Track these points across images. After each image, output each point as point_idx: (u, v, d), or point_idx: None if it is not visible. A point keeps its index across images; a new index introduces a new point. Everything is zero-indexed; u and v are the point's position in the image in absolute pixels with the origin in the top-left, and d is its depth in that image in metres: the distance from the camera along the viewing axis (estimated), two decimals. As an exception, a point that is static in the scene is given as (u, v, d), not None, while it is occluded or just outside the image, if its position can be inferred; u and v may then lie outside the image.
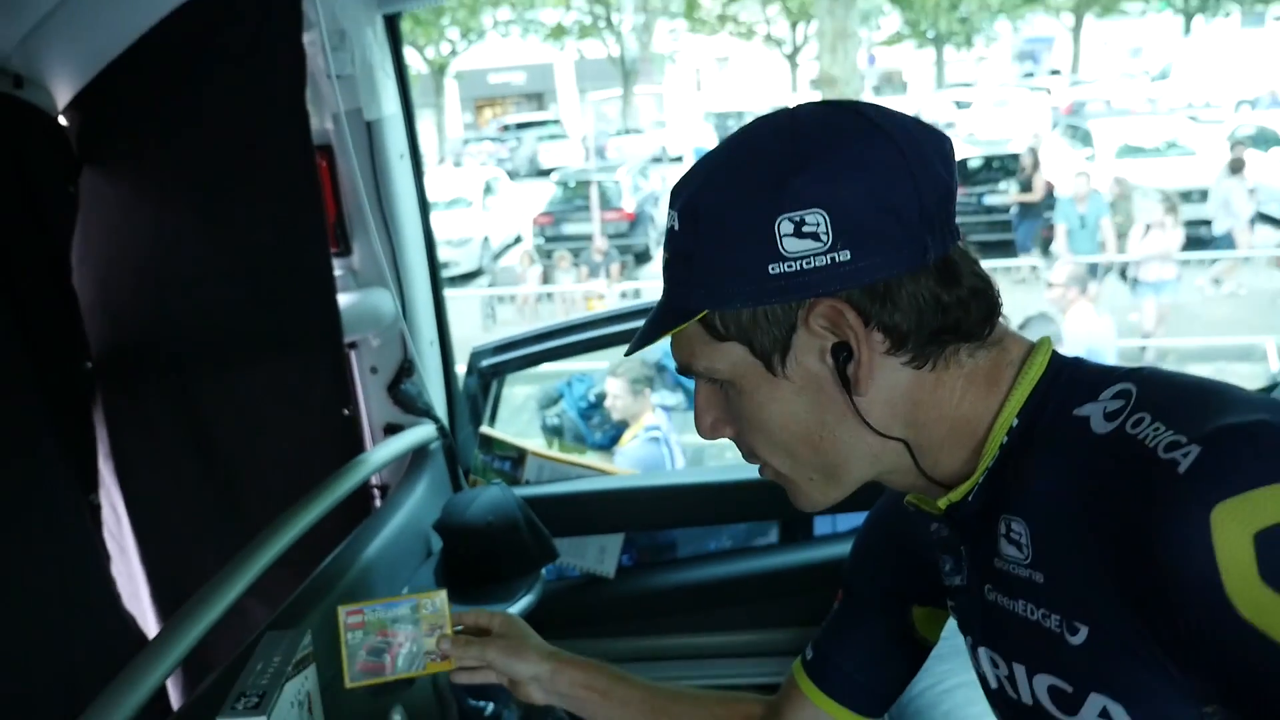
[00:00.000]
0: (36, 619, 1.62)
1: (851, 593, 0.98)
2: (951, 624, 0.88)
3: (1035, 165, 10.48)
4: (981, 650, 0.76)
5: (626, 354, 0.84)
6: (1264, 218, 10.52)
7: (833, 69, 9.49)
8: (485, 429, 1.94)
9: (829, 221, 0.65)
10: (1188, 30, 25.77)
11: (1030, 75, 29.05)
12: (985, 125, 17.19)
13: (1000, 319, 0.73)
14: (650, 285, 10.74)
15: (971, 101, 20.49)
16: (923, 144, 0.68)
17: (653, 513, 1.91)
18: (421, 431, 1.71)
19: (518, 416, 4.93)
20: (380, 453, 1.59)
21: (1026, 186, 10.52)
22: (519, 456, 1.89)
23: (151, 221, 1.65)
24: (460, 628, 1.06)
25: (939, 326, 0.68)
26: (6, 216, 1.54)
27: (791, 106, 0.73)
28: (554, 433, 4.00)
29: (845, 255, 0.65)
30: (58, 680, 1.60)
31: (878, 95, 27.07)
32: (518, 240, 14.54)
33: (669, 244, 0.72)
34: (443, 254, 11.79)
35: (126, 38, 1.54)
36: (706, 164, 0.71)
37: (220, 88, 1.57)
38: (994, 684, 0.75)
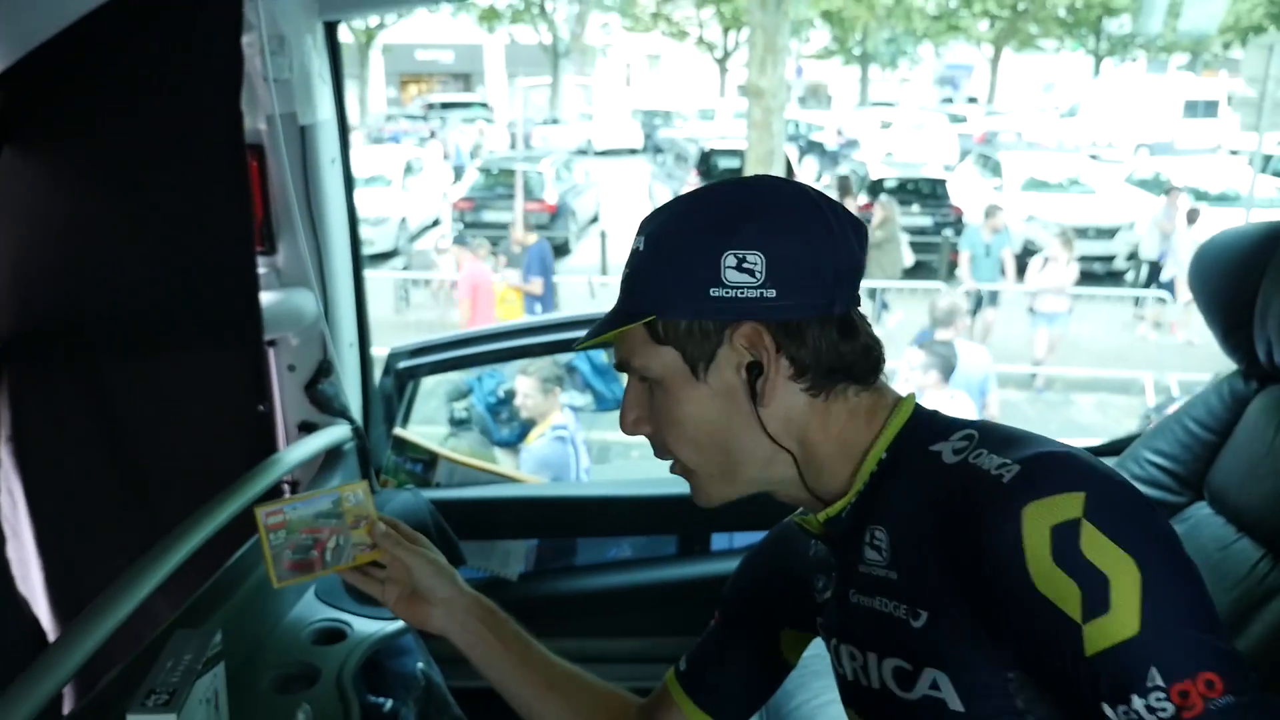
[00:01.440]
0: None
1: (729, 615, 1.09)
2: (819, 646, 1.00)
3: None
4: (843, 648, 0.89)
5: (576, 347, 0.98)
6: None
7: (760, 80, 9.67)
8: (399, 431, 1.97)
9: (765, 264, 0.81)
10: (1097, 71, 27.01)
11: (949, 101, 30.02)
12: (903, 147, 17.72)
13: (882, 374, 0.90)
14: (569, 279, 10.76)
15: (892, 122, 21.08)
16: (846, 224, 0.85)
17: (558, 521, 1.98)
18: (336, 432, 1.74)
19: (425, 403, 4.92)
20: (295, 452, 1.61)
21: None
22: (430, 459, 1.93)
23: (71, 206, 1.63)
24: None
25: (833, 366, 0.85)
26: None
27: (752, 176, 0.92)
28: (460, 425, 4.02)
29: (772, 293, 0.81)
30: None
31: (803, 107, 27.57)
32: (436, 223, 14.36)
33: (631, 261, 0.87)
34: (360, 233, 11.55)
35: (60, 20, 1.52)
36: (676, 203, 0.88)
37: (153, 80, 1.57)
38: (850, 676, 0.88)
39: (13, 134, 1.61)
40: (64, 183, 1.63)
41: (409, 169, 14.39)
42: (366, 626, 1.48)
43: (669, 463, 0.93)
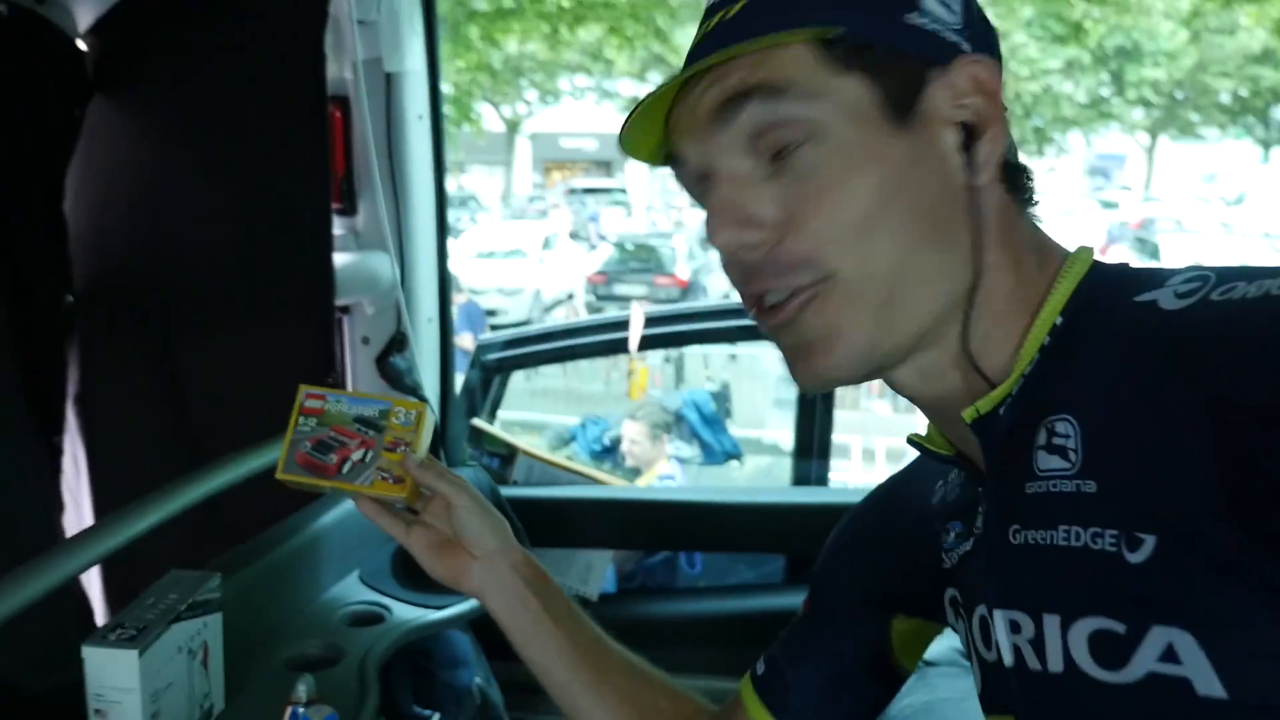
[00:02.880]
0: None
1: (819, 598, 0.82)
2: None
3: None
4: (998, 615, 0.59)
5: (683, 73, 0.60)
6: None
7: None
8: (476, 421, 1.81)
9: (961, 6, 0.59)
10: (1266, 158, 25.47)
11: (1101, 189, 28.87)
12: (1052, 232, 17.02)
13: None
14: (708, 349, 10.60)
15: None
16: None
17: (648, 531, 1.75)
18: (405, 409, 1.59)
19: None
20: (354, 420, 1.47)
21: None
22: (509, 454, 1.76)
23: (154, 157, 1.58)
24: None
25: (1018, 165, 0.62)
26: (9, 133, 1.48)
27: None
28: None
29: (968, 49, 0.59)
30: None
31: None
32: (570, 297, 14.58)
33: None
34: (494, 302, 11.81)
35: (152, -37, 1.49)
36: None
37: (239, 24, 1.51)
38: (1010, 659, 0.58)
39: (105, 82, 1.58)
40: (149, 132, 1.58)
41: (547, 244, 14.73)
42: (406, 613, 1.29)
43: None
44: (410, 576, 1.40)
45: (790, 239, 0.57)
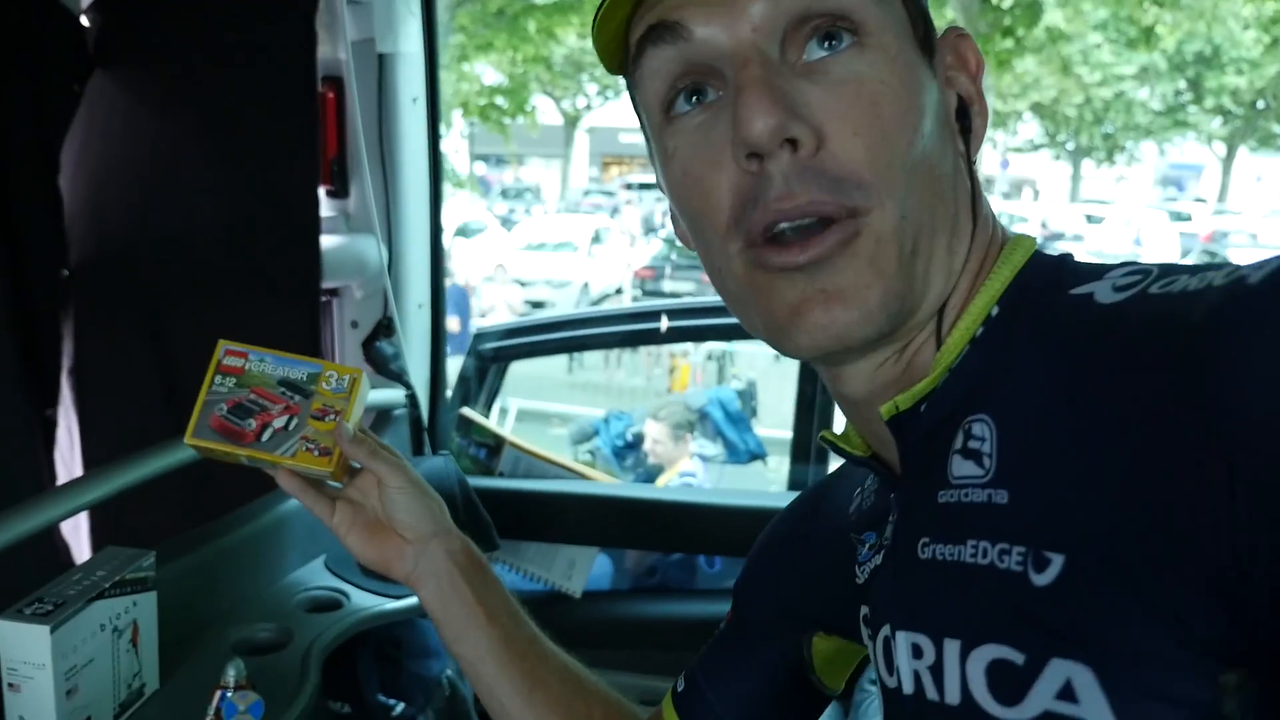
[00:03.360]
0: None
1: (739, 612, 0.77)
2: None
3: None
4: (900, 637, 0.54)
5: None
6: None
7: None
8: (465, 410, 1.79)
9: None
10: (1350, 174, 24.44)
11: (1173, 200, 28.01)
12: (1115, 242, 16.58)
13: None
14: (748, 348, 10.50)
15: (1104, 217, 19.86)
16: None
17: (635, 529, 1.72)
18: (388, 394, 1.58)
19: (561, 452, 4.81)
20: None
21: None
22: (496, 445, 1.73)
23: (150, 134, 1.58)
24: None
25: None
26: (7, 108, 1.49)
27: None
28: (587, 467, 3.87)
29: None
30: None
31: (1006, 200, 26.48)
32: (618, 291, 14.57)
33: None
34: (542, 294, 11.86)
35: (152, -60, 1.49)
36: None
37: (233, 2, 1.50)
38: (910, 686, 0.53)
39: (105, 58, 1.59)
40: (145, 109, 1.59)
41: (596, 238, 14.74)
42: (363, 600, 1.27)
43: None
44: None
45: (836, 147, 0.49)
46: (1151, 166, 30.09)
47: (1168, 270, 0.47)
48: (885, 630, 0.56)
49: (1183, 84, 21.27)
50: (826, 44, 0.50)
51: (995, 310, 0.52)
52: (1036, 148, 25.70)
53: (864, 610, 0.62)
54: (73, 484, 1.08)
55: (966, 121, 0.56)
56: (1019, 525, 0.46)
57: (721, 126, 0.51)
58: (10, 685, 0.86)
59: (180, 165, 1.57)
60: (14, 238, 1.54)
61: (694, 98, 0.52)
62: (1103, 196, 27.98)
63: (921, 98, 0.51)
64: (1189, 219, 20.58)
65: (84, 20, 1.58)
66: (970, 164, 0.57)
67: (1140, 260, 0.50)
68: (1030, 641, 0.45)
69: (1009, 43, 7.98)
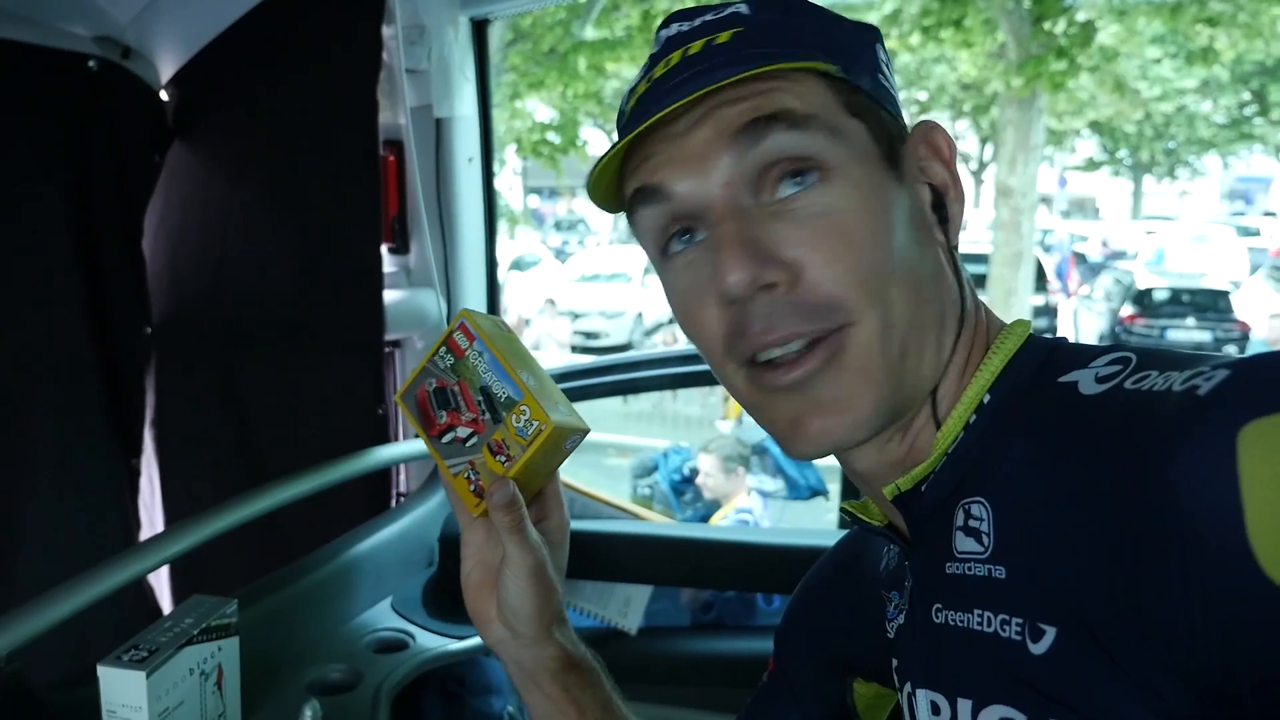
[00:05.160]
0: (57, 571, 1.63)
1: (782, 659, 0.81)
2: None
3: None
4: (920, 696, 0.58)
5: (676, 101, 0.55)
6: None
7: (1010, 179, 9.13)
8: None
9: (891, 82, 0.62)
10: None
11: (1240, 215, 27.24)
12: (1179, 258, 16.16)
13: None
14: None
15: (1155, 232, 19.39)
16: None
17: (689, 568, 1.75)
18: (448, 441, 1.64)
19: (615, 485, 4.85)
20: (396, 449, 1.53)
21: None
22: (552, 487, 1.79)
23: (224, 198, 1.69)
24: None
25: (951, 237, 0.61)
26: (95, 177, 1.61)
27: None
28: (644, 503, 3.89)
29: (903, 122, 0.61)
30: (65, 635, 1.60)
31: (1066, 219, 26.02)
32: (670, 321, 14.64)
33: (747, 19, 0.58)
34: (595, 324, 11.93)
35: (226, 19, 1.60)
36: None
37: (301, 73, 1.60)
38: None
39: (184, 129, 1.70)
40: (219, 177, 1.69)
41: (649, 268, 14.85)
42: (429, 641, 1.33)
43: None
44: (439, 606, 1.44)
45: (811, 280, 0.54)
46: (1217, 180, 29.31)
47: (1144, 363, 0.51)
48: (908, 687, 0.61)
49: (1247, 95, 20.72)
50: (796, 180, 0.55)
51: (988, 398, 0.57)
52: (1096, 165, 25.22)
53: (895, 663, 0.66)
54: (160, 537, 1.16)
55: (944, 211, 0.60)
56: (1017, 598, 0.51)
57: (708, 268, 0.56)
58: (109, 726, 0.93)
59: (253, 227, 1.68)
60: (101, 298, 1.65)
61: (685, 236, 0.59)
62: (1166, 212, 27.33)
63: (891, 213, 0.56)
64: (1257, 234, 20.01)
65: (163, 95, 1.70)
66: (953, 253, 0.60)
67: (1127, 347, 0.53)
68: (1030, 704, 0.50)
69: (1062, 64, 7.89)
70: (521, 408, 0.68)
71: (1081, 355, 0.55)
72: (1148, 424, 0.46)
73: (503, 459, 0.68)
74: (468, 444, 0.69)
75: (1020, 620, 0.50)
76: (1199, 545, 0.42)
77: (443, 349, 0.71)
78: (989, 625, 0.52)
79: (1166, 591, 0.43)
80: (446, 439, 0.70)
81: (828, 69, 0.56)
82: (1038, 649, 0.49)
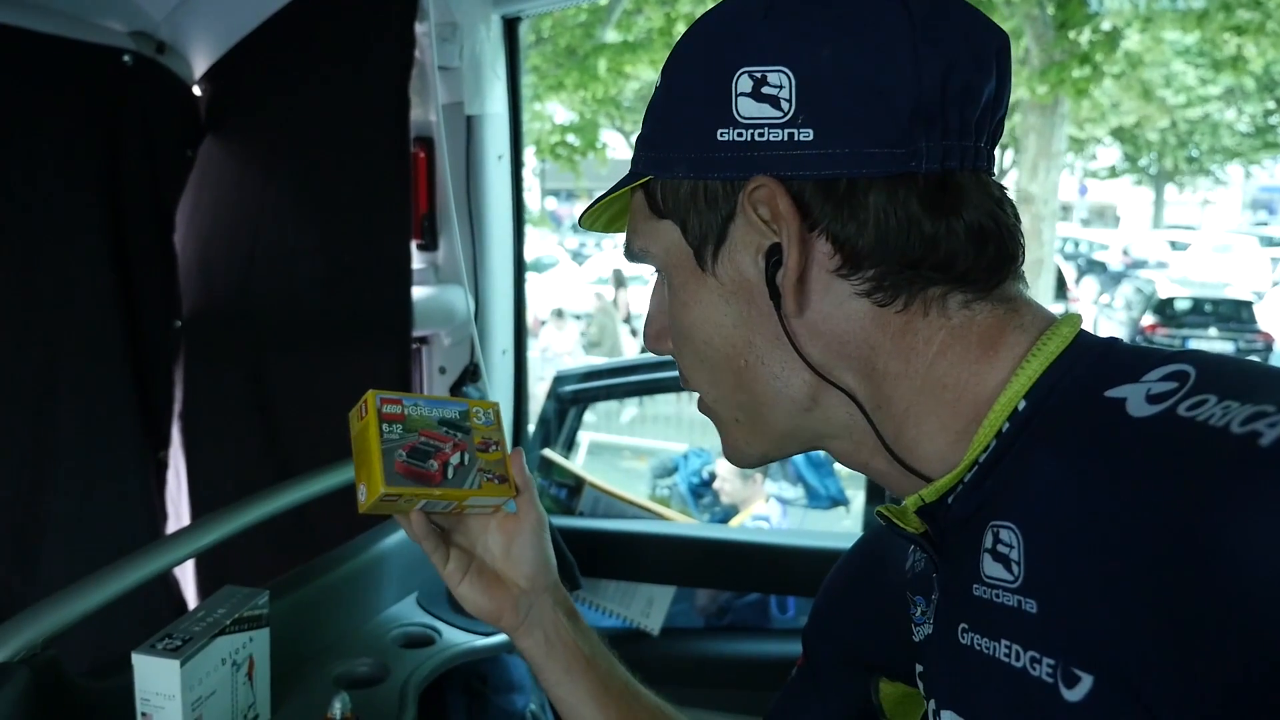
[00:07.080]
0: (83, 560, 1.64)
1: (810, 656, 0.80)
2: None
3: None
4: (945, 716, 0.56)
5: (577, 223, 0.69)
6: None
7: (1031, 186, 9.08)
8: (546, 452, 1.85)
9: (794, 86, 0.52)
10: None
11: (1263, 225, 26.97)
12: (1202, 268, 16.03)
13: (1022, 283, 0.57)
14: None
15: (1189, 243, 19.24)
16: (950, 26, 0.53)
17: (712, 568, 1.75)
18: (474, 438, 1.64)
19: (631, 488, 4.84)
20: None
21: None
22: (576, 485, 1.79)
23: (256, 194, 1.70)
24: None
25: (912, 257, 0.53)
26: (127, 171, 1.62)
27: None
28: (663, 504, 3.89)
29: (807, 134, 0.52)
30: (89, 625, 1.62)
31: (1086, 227, 25.83)
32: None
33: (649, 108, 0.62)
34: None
35: (259, 15, 1.61)
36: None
37: (333, 69, 1.61)
38: None
39: (217, 124, 1.71)
40: (251, 172, 1.70)
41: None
42: (455, 637, 1.33)
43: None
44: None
45: (676, 354, 0.64)
46: (1239, 190, 29.05)
47: (1202, 383, 0.46)
48: (932, 704, 0.59)
49: (1272, 104, 20.52)
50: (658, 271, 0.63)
51: (1023, 404, 0.52)
52: (1117, 173, 25.05)
53: (919, 668, 0.64)
54: (191, 529, 1.16)
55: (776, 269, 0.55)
56: (1050, 638, 0.48)
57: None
58: (144, 715, 0.93)
59: (283, 222, 1.68)
60: (131, 291, 1.67)
61: None
62: (1188, 221, 27.09)
63: (700, 308, 0.59)
64: (1281, 244, 19.81)
65: (196, 90, 1.71)
66: (888, 290, 0.55)
67: (1188, 357, 0.49)
68: None
69: (1086, 70, 7.84)
70: (474, 410, 0.82)
71: (1136, 365, 0.50)
72: (1201, 472, 0.42)
73: (494, 448, 0.80)
74: (465, 463, 0.78)
75: (1052, 661, 0.47)
76: (1258, 624, 0.39)
77: (384, 426, 0.76)
78: (1018, 660, 0.49)
79: (1221, 668, 0.40)
80: (450, 474, 0.77)
81: (641, 183, 0.60)
82: (1072, 695, 0.46)
